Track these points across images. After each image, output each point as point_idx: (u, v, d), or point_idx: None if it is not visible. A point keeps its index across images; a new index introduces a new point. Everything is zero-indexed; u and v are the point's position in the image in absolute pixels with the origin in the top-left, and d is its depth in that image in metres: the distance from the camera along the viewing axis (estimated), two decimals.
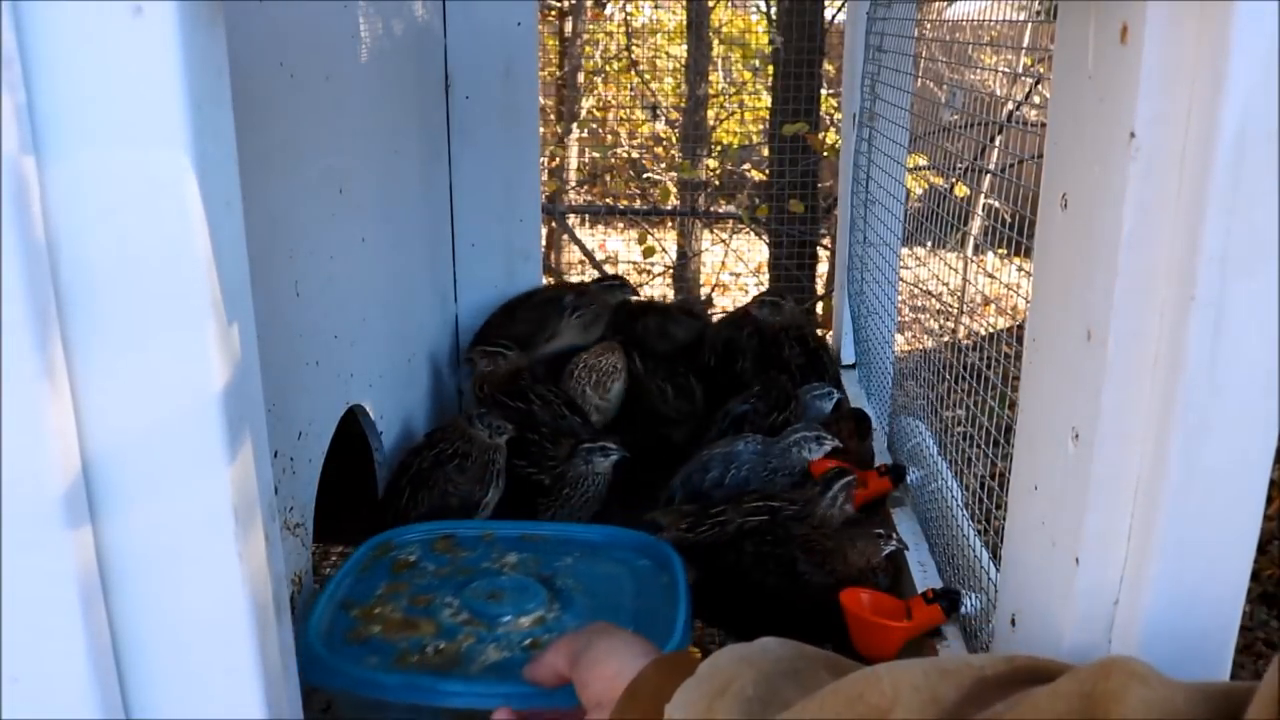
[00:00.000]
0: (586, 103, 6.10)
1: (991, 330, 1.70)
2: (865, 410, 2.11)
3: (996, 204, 1.52)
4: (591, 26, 6.05)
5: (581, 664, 1.04)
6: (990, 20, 1.64)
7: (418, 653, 1.36)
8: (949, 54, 1.95)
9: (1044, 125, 0.96)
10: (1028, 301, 1.01)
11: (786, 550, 1.63)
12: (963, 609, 1.46)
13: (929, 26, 2.04)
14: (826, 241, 4.82)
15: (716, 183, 5.66)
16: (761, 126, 5.74)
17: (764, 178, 5.36)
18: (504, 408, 2.15)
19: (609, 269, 5.39)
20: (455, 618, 1.44)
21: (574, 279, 5.77)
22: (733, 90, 5.92)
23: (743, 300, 5.84)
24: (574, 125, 6.02)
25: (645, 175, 5.98)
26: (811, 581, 1.60)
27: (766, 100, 5.39)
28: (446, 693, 1.27)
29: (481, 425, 1.93)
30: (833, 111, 5.03)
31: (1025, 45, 1.77)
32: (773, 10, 5.07)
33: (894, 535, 1.64)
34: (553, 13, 5.90)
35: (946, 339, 1.96)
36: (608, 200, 5.94)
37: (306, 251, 1.58)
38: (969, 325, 1.87)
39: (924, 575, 1.64)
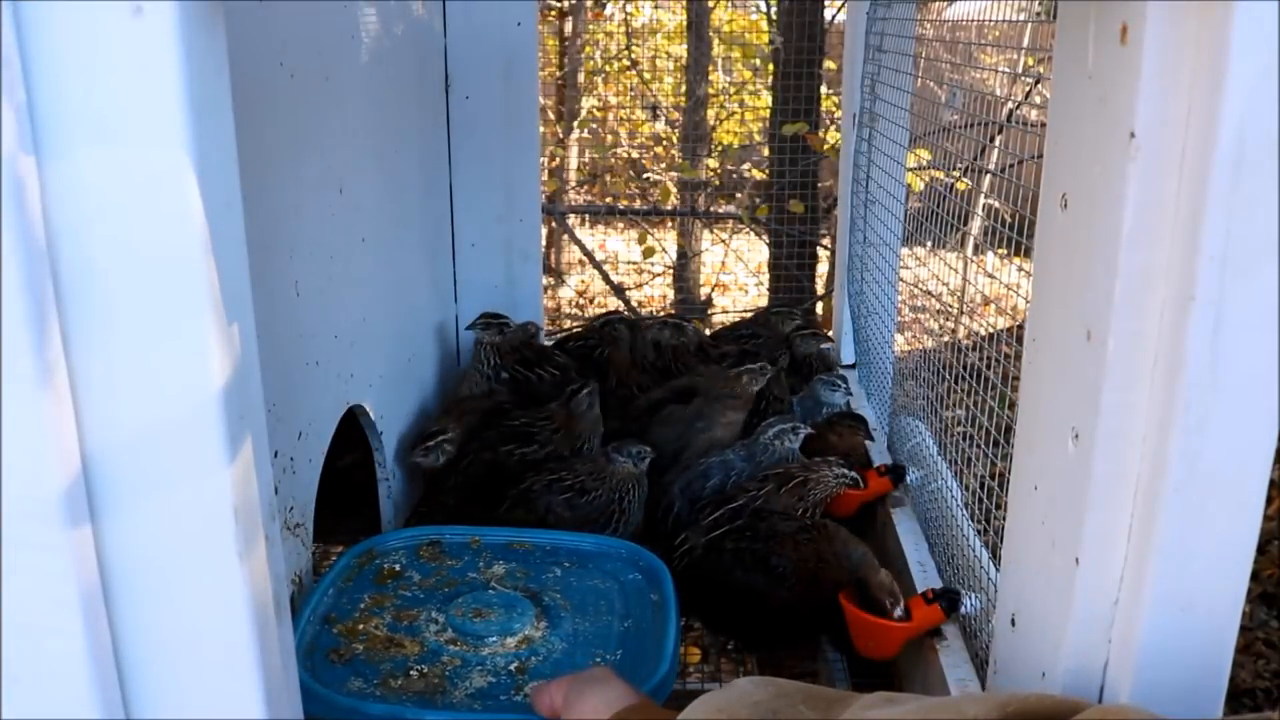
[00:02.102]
0: (586, 103, 6.10)
1: (991, 330, 1.70)
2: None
3: (996, 204, 1.52)
4: (591, 26, 6.04)
5: (571, 708, 1.06)
6: (990, 20, 1.64)
7: (401, 675, 1.34)
8: (949, 54, 1.95)
9: (1044, 125, 0.96)
10: (1028, 301, 1.01)
11: (763, 546, 1.64)
12: (963, 609, 1.46)
13: (929, 26, 2.04)
14: (826, 241, 4.82)
15: (716, 183, 5.66)
16: (761, 126, 5.73)
17: (764, 177, 5.36)
18: (515, 378, 2.18)
19: (609, 269, 5.39)
20: (440, 636, 1.42)
21: (574, 279, 5.78)
22: (733, 90, 5.92)
23: (743, 300, 5.86)
24: (574, 125, 6.02)
25: (645, 175, 5.98)
26: (786, 576, 1.60)
27: (766, 100, 5.39)
28: None
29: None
30: (834, 110, 5.02)
31: (1025, 45, 1.76)
32: (773, 10, 5.07)
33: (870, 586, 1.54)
34: (553, 13, 5.90)
35: (946, 339, 1.96)
36: (608, 200, 5.94)
37: (306, 251, 1.58)
38: (969, 325, 1.87)
39: (924, 575, 1.64)
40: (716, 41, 5.56)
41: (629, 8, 5.56)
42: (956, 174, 1.83)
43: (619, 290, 5.33)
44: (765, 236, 4.99)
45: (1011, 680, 1.08)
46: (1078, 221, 0.88)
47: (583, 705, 1.06)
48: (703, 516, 1.76)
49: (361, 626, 1.44)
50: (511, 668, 1.36)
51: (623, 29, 5.53)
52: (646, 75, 5.58)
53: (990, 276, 1.72)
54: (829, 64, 4.68)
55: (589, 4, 5.91)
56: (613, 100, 6.11)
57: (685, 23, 5.46)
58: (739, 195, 5.75)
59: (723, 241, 5.50)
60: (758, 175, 5.74)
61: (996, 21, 1.62)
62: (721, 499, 1.79)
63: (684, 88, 5.49)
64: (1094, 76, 0.84)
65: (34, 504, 0.75)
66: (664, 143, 6.08)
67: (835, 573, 1.58)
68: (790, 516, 1.72)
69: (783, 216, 4.59)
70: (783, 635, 1.69)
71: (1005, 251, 1.44)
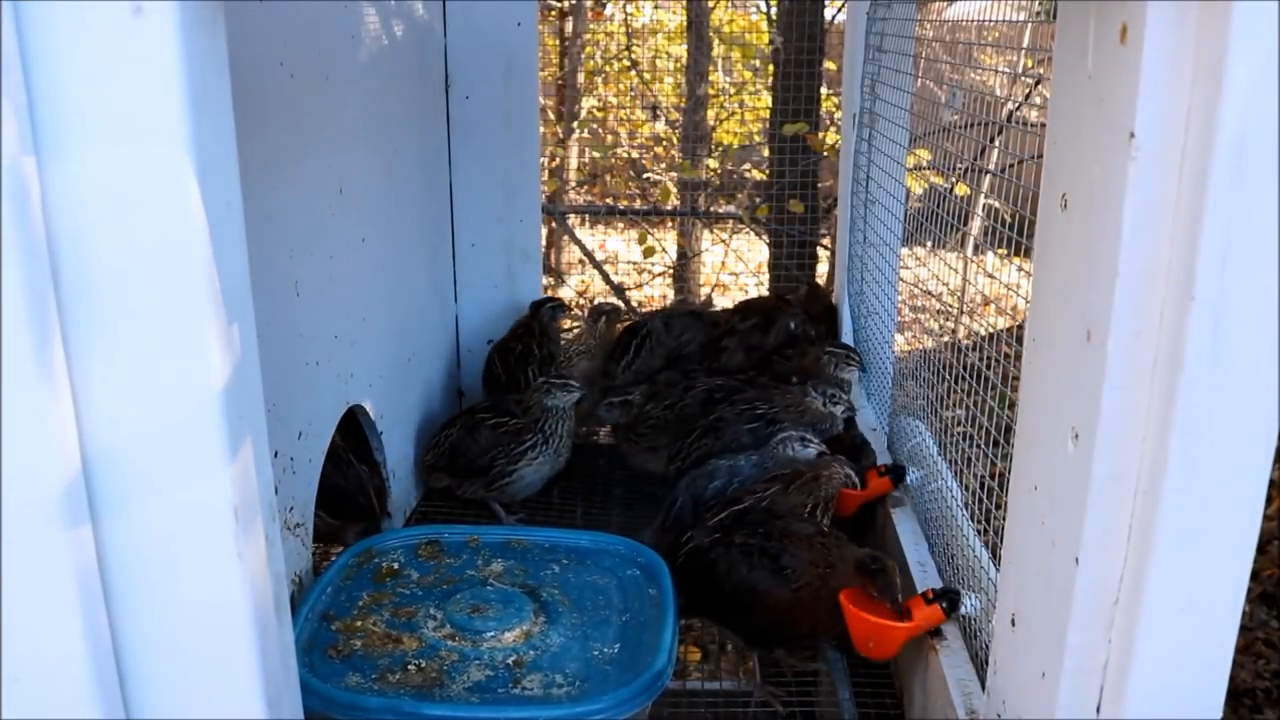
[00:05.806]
0: (586, 103, 6.09)
1: (991, 330, 1.70)
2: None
3: (996, 204, 1.52)
4: (592, 27, 6.04)
5: None
6: (990, 20, 1.64)
7: (399, 670, 1.35)
8: (949, 54, 1.95)
9: (1044, 125, 0.96)
10: (1028, 301, 1.01)
11: (774, 544, 1.64)
12: (963, 609, 1.46)
13: (929, 26, 2.04)
14: (826, 241, 4.82)
15: (716, 183, 5.66)
16: (761, 126, 5.73)
17: (764, 177, 5.36)
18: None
19: (609, 269, 5.39)
20: (438, 632, 1.43)
21: (574, 279, 5.78)
22: (733, 90, 5.92)
23: (741, 299, 5.85)
24: (574, 125, 6.01)
25: (645, 175, 5.97)
26: (795, 576, 1.60)
27: (766, 100, 5.38)
28: (427, 717, 1.27)
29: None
30: (834, 110, 5.02)
31: (1025, 45, 1.77)
32: (773, 10, 5.07)
33: (886, 565, 1.57)
34: (553, 13, 5.89)
35: (946, 339, 1.97)
36: (608, 200, 5.94)
37: (306, 251, 1.58)
38: (969, 325, 1.87)
39: (924, 575, 1.64)
40: (716, 42, 5.55)
41: (629, 8, 5.55)
42: (956, 176, 1.83)
43: (619, 290, 5.32)
44: (765, 236, 4.98)
45: (1011, 680, 1.08)
46: (1078, 221, 0.88)
47: None
48: (708, 517, 1.77)
49: (360, 623, 1.45)
50: (509, 662, 1.37)
51: (623, 29, 5.53)
52: (646, 75, 5.57)
53: (990, 276, 1.72)
54: (829, 64, 4.67)
55: (589, 4, 5.91)
56: (613, 100, 6.11)
57: (685, 23, 5.45)
58: (739, 195, 5.74)
59: (723, 241, 5.49)
60: (758, 175, 5.73)
61: (996, 22, 1.62)
62: (727, 500, 1.79)
63: (684, 88, 5.49)
64: (1094, 76, 0.84)
65: (34, 504, 0.75)
66: (664, 143, 6.07)
67: (842, 579, 1.58)
68: (804, 519, 1.72)
69: (783, 216, 4.58)
70: (786, 635, 1.69)
71: (1005, 251, 1.44)
